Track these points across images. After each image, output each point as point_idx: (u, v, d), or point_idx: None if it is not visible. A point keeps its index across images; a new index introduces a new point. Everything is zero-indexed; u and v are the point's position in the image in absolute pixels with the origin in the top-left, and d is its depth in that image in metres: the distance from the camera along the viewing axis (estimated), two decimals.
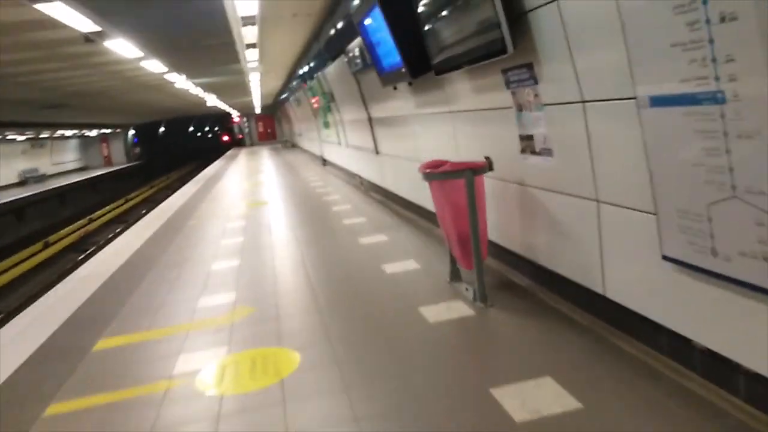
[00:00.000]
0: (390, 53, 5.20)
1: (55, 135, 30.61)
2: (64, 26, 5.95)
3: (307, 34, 10.22)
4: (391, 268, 4.71)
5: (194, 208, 10.17)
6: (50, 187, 25.20)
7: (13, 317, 4.72)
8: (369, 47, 5.89)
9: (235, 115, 41.26)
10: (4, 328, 4.29)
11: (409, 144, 6.57)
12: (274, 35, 9.51)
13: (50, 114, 20.50)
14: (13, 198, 21.27)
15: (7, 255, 14.75)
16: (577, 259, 3.17)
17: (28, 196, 22.69)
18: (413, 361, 2.96)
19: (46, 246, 15.72)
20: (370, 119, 8.37)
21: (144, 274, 5.46)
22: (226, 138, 47.89)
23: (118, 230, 16.22)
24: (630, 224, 2.57)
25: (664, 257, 2.27)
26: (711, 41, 1.76)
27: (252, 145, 40.03)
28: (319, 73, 10.87)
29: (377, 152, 8.52)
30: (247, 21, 6.84)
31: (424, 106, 5.53)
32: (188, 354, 3.36)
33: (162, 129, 48.75)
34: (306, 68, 12.80)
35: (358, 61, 7.14)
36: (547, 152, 3.24)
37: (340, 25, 8.34)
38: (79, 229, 17.97)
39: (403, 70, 4.88)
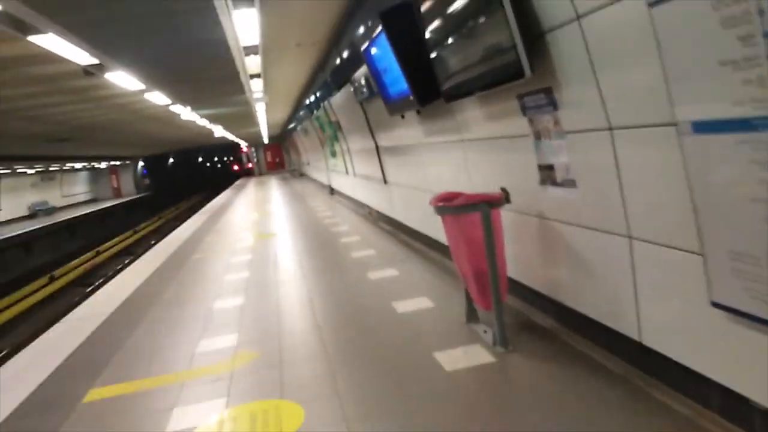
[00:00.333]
0: (397, 81, 5.02)
1: (65, 167, 30.78)
2: (62, 60, 5.84)
3: (312, 64, 10.13)
4: (402, 306, 4.43)
5: (199, 241, 9.97)
6: (59, 220, 25.20)
7: (5, 361, 4.48)
8: (375, 75, 5.72)
9: (244, 145, 41.48)
10: None
11: (418, 173, 6.35)
12: (279, 65, 9.41)
13: (59, 147, 20.56)
14: (21, 231, 21.25)
15: (14, 289, 14.60)
16: (607, 301, 2.89)
17: (37, 229, 22.67)
18: (429, 418, 2.66)
19: (52, 280, 15.57)
20: (377, 148, 8.18)
21: (143, 314, 5.21)
22: (236, 168, 48.11)
23: (126, 261, 16.07)
24: (670, 265, 2.30)
25: (714, 304, 2.00)
26: None
27: (261, 174, 40.11)
28: (326, 103, 10.76)
29: (385, 182, 8.31)
30: (250, 51, 6.72)
31: (434, 135, 5.32)
32: (183, 408, 3.08)
33: (171, 160, 49.12)
34: (312, 98, 12.72)
35: (364, 89, 6.98)
36: (570, 183, 2.99)
37: (345, 53, 8.24)
38: (86, 262, 17.82)
39: (411, 98, 4.68)
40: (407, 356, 3.43)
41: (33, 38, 4.83)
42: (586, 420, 2.45)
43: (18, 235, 20.75)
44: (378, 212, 9.47)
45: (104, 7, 4.83)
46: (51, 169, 29.06)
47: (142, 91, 9.19)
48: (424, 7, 3.73)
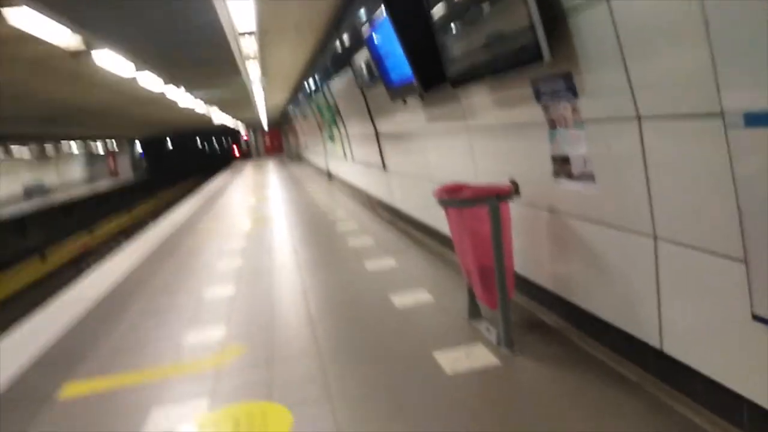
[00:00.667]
0: (399, 65, 4.76)
1: (60, 148, 30.40)
2: (48, 38, 5.53)
3: (311, 47, 9.83)
4: (400, 300, 4.22)
5: (193, 226, 9.74)
6: (54, 201, 24.91)
7: None
8: (376, 60, 5.45)
9: (242, 128, 41.12)
10: None
11: (419, 161, 6.11)
12: (277, 48, 9.11)
13: (55, 128, 20.25)
14: (14, 211, 20.96)
15: (3, 270, 14.38)
16: (625, 304, 2.68)
17: (31, 209, 22.39)
18: (428, 428, 2.46)
19: (43, 261, 15.36)
20: (377, 134, 7.93)
21: (130, 302, 4.99)
22: (236, 152, 47.73)
23: (119, 245, 15.84)
24: (703, 270, 2.08)
25: (756, 317, 1.78)
26: None
27: (259, 157, 39.77)
28: (324, 87, 10.47)
29: (384, 168, 8.07)
30: (246, 31, 6.42)
31: (437, 120, 5.08)
32: (162, 408, 2.87)
33: (169, 142, 48.63)
34: (311, 82, 12.42)
35: (365, 74, 6.71)
36: (587, 177, 2.76)
37: (345, 37, 7.96)
38: (78, 244, 17.58)
39: (414, 83, 4.43)
40: (405, 356, 3.22)
41: (6, 11, 4.53)
42: None
43: (12, 215, 20.47)
44: (377, 199, 9.24)
45: None
46: (47, 149, 28.67)
47: (134, 73, 8.87)
48: None
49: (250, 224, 9.15)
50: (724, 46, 1.65)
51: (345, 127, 10.47)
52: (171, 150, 48.02)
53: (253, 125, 38.95)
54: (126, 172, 39.28)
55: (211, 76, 11.88)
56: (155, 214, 21.69)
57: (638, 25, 2.07)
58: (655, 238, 2.31)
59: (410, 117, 5.80)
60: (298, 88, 16.03)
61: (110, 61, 7.49)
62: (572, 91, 2.67)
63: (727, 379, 2.07)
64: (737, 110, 1.65)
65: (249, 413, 2.72)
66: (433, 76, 4.08)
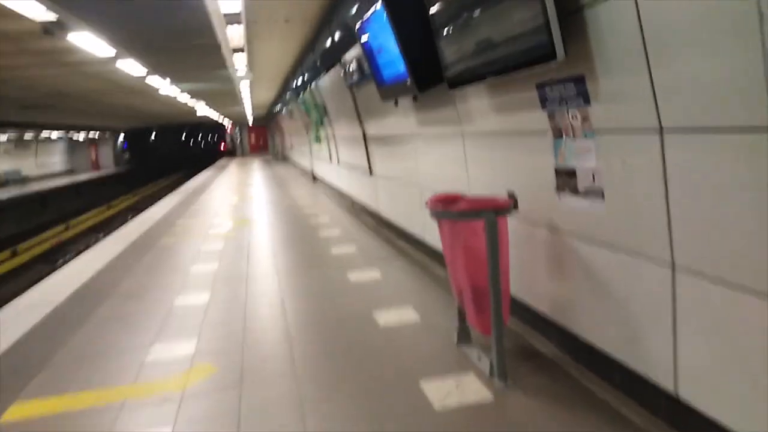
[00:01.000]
0: (393, 62, 4.49)
1: (41, 136, 29.67)
2: (18, 15, 5.15)
3: (301, 42, 9.52)
4: (385, 317, 3.93)
5: (171, 224, 9.36)
6: (31, 190, 24.24)
7: None
8: (368, 55, 5.16)
9: (228, 124, 40.58)
10: None
11: (407, 167, 5.83)
12: (265, 40, 8.80)
13: (34, 114, 19.67)
14: None
15: None
16: (633, 339, 2.42)
17: (5, 199, 21.73)
18: None
19: (14, 255, 14.79)
20: (364, 136, 7.65)
21: (94, 307, 4.64)
22: (222, 147, 47.22)
23: (94, 240, 15.34)
24: (729, 308, 1.82)
25: None
26: None
27: (243, 155, 39.23)
28: (313, 85, 10.16)
29: (371, 173, 7.79)
30: (232, 19, 6.09)
31: (429, 125, 4.81)
32: None
33: (153, 135, 47.88)
34: (300, 80, 12.11)
35: (355, 71, 6.43)
36: (595, 193, 2.50)
37: (336, 33, 7.67)
38: (52, 237, 17.01)
39: (409, 82, 4.16)
40: (390, 384, 2.93)
41: None
42: None
43: None
44: (361, 204, 8.95)
45: None
46: (26, 137, 27.94)
47: (113, 58, 8.48)
48: None
49: (229, 225, 8.80)
50: None
51: (332, 127, 10.17)
52: (155, 144, 47.32)
53: (239, 122, 38.42)
54: (108, 165, 38.53)
55: (198, 68, 11.48)
56: (136, 209, 21.18)
57: (669, 22, 1.81)
58: (674, 267, 2.06)
59: (401, 120, 5.53)
60: (286, 85, 15.69)
61: (89, 43, 7.09)
62: (584, 97, 2.41)
63: None
64: None
65: None
66: (430, 75, 3.82)
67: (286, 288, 4.95)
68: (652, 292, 2.21)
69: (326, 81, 8.74)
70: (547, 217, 2.98)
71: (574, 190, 2.67)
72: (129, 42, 7.68)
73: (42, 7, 4.92)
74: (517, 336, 3.41)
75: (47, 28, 5.60)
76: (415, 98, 4.69)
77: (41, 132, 28.09)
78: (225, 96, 18.26)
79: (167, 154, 47.48)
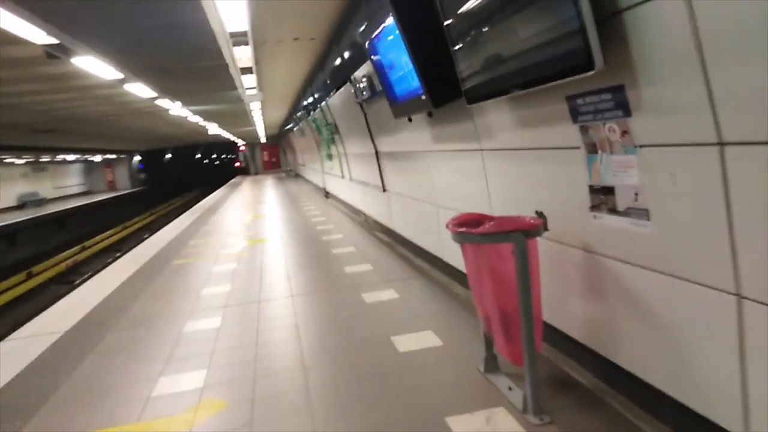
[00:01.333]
0: (405, 78, 4.32)
1: (57, 159, 29.94)
2: (23, 41, 5.07)
3: (311, 61, 9.43)
4: (404, 343, 3.71)
5: (184, 244, 9.24)
6: (48, 212, 24.36)
7: None
8: (380, 72, 5.00)
9: (241, 144, 40.83)
10: None
11: (422, 184, 5.63)
12: (274, 60, 8.70)
13: (50, 138, 19.81)
14: (5, 223, 20.40)
15: None
16: (689, 374, 2.17)
17: (24, 220, 21.83)
18: None
19: (30, 276, 14.76)
20: (377, 153, 7.47)
21: (101, 335, 4.48)
22: (237, 164, 47.59)
23: (109, 260, 15.28)
24: None
25: None
26: None
27: (257, 173, 39.34)
28: (323, 104, 10.05)
29: (384, 189, 7.60)
30: (239, 40, 5.98)
31: (445, 141, 4.61)
32: None
33: (168, 155, 48.33)
34: (310, 98, 12.02)
35: (366, 89, 6.28)
36: (638, 213, 2.28)
37: (346, 50, 7.55)
38: (68, 258, 16.99)
39: (423, 97, 3.98)
40: (413, 420, 2.70)
41: None
42: None
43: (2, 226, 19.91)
44: (374, 221, 8.76)
45: None
46: (42, 160, 28.19)
47: (121, 82, 8.42)
48: None
49: (242, 244, 8.64)
50: None
51: (344, 145, 10.03)
52: (170, 164, 47.73)
53: (252, 141, 38.62)
54: (124, 186, 38.82)
55: (207, 90, 11.42)
56: (151, 228, 21.17)
57: (730, 19, 1.60)
58: (740, 296, 1.82)
59: (414, 136, 5.34)
60: (297, 104, 15.65)
61: (95, 67, 7.02)
62: (623, 108, 2.20)
63: None
64: None
65: None
66: (445, 90, 3.63)
67: (299, 311, 4.75)
68: (711, 322, 1.97)
69: (336, 99, 8.61)
70: (580, 237, 2.76)
71: (613, 209, 2.44)
72: (135, 65, 7.60)
73: (42, 32, 4.82)
74: (549, 363, 3.17)
75: (50, 53, 5.53)
76: (430, 114, 4.51)
77: (57, 155, 28.32)
78: (236, 117, 18.25)
79: (182, 174, 47.93)
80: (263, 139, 34.94)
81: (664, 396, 2.31)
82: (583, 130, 2.51)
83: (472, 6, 2.83)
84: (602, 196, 2.50)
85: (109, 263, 10.78)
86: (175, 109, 13.45)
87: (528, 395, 2.60)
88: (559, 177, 2.85)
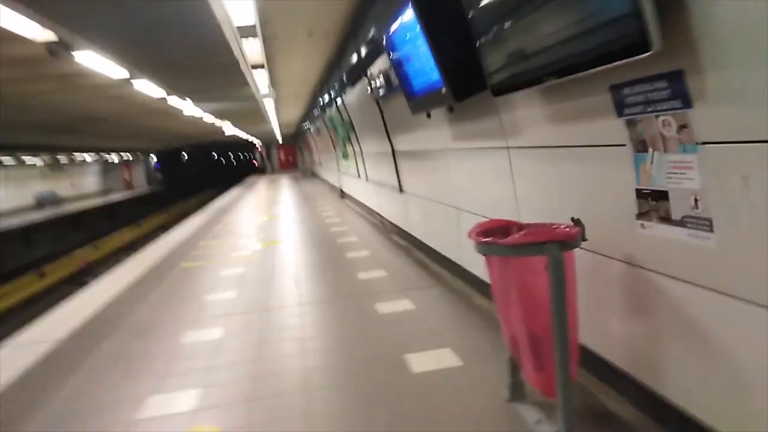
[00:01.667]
0: (424, 71, 3.97)
1: (74, 158, 30.08)
2: (17, 37, 4.82)
3: (326, 57, 9.11)
4: (419, 362, 3.36)
5: (193, 246, 8.99)
6: (64, 211, 24.43)
7: None
8: (397, 65, 4.66)
9: (258, 143, 40.83)
10: None
11: (442, 184, 5.28)
12: (287, 56, 8.39)
13: (67, 138, 19.82)
14: (21, 222, 20.45)
15: (1, 284, 13.72)
16: (751, 413, 1.81)
17: (39, 219, 21.88)
18: None
19: (42, 276, 14.68)
20: (393, 152, 7.13)
21: (94, 346, 4.20)
22: (256, 164, 47.72)
23: (121, 261, 15.15)
24: None
25: None
26: None
27: (273, 172, 39.23)
28: (339, 101, 9.74)
29: (401, 190, 7.26)
30: (247, 33, 5.67)
31: (466, 138, 4.26)
32: None
33: (185, 154, 48.50)
34: (326, 96, 11.72)
35: (382, 84, 5.95)
36: (699, 223, 1.91)
37: (361, 45, 7.22)
38: (80, 258, 16.90)
39: (443, 90, 3.62)
40: None
41: None
42: None
43: (17, 225, 19.94)
44: (390, 222, 8.42)
45: None
46: (59, 159, 28.32)
47: (128, 79, 8.18)
48: None
49: (253, 247, 8.35)
50: None
51: (359, 144, 9.71)
52: (187, 163, 47.91)
53: (267, 140, 38.52)
54: (141, 185, 39.00)
55: (217, 87, 11.16)
56: (166, 227, 21.10)
57: None
58: None
59: (433, 134, 4.99)
60: (313, 102, 15.37)
61: (98, 63, 6.78)
62: (682, 98, 1.83)
63: None
64: None
65: None
66: (468, 83, 3.29)
67: (307, 322, 4.43)
68: None
69: (352, 96, 8.30)
70: (623, 248, 2.39)
71: (665, 218, 2.07)
72: (140, 61, 7.35)
73: (41, 28, 4.57)
74: (582, 391, 2.79)
75: (52, 50, 5.29)
76: (450, 109, 4.16)
77: (74, 154, 28.45)
78: (250, 115, 18.03)
79: (199, 173, 48.04)
80: (279, 139, 34.84)
81: None
82: (631, 124, 2.15)
83: None
84: (652, 202, 2.14)
85: (118, 265, 10.60)
86: (188, 107, 13.23)
87: (562, 430, 2.24)
88: (599, 179, 2.48)
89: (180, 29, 5.85)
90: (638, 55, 1.73)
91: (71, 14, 4.59)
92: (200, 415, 2.95)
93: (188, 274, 6.72)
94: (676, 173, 1.98)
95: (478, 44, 2.90)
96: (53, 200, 28.26)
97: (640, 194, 2.19)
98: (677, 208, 2.01)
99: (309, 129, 20.09)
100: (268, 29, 6.26)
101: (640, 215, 2.22)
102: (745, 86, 1.59)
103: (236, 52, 6.75)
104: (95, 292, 6.17)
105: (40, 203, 27.24)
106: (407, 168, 6.78)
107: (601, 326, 2.68)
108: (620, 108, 2.17)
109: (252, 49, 6.69)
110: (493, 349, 3.33)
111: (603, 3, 1.83)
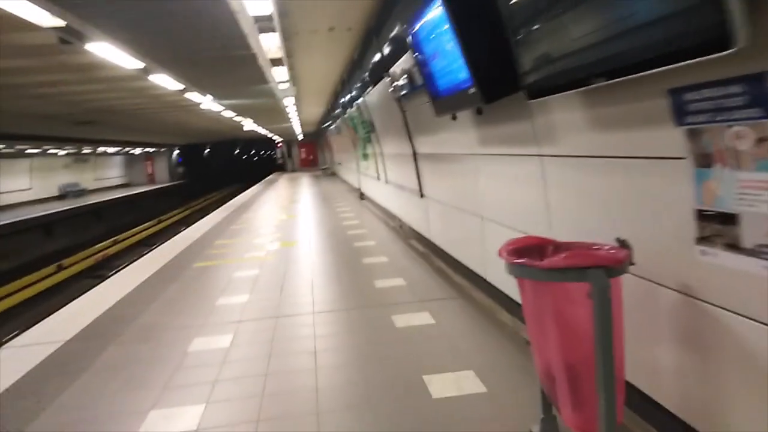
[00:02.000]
0: (450, 69, 3.71)
1: (99, 151, 30.37)
2: (26, 24, 4.67)
3: (347, 53, 8.89)
4: (439, 386, 3.09)
5: (209, 244, 8.83)
6: (87, 203, 24.59)
7: None
8: (421, 62, 4.40)
9: (278, 140, 40.85)
10: None
11: (466, 192, 4.99)
12: (308, 53, 8.18)
13: (90, 130, 19.90)
14: (43, 213, 20.58)
15: (20, 276, 13.75)
16: None
17: (61, 210, 22.02)
18: None
19: (60, 269, 14.70)
20: (414, 155, 6.87)
21: (99, 351, 4.02)
22: (276, 161, 47.84)
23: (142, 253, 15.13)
24: None
25: None
26: None
27: (293, 171, 39.20)
28: (360, 101, 9.51)
29: (422, 195, 6.99)
30: (264, 26, 5.45)
31: (494, 144, 3.99)
32: None
33: (207, 150, 48.80)
34: (347, 95, 11.51)
35: (405, 84, 5.69)
36: None
37: (385, 43, 6.98)
38: (98, 252, 16.91)
39: (472, 91, 3.35)
40: None
41: None
42: None
43: (39, 216, 20.07)
44: (409, 227, 8.15)
45: None
46: (84, 152, 28.57)
47: (144, 72, 8.03)
48: None
49: (268, 248, 8.16)
50: None
51: (380, 145, 9.46)
52: (209, 158, 48.22)
53: (289, 138, 38.50)
54: (163, 179, 39.28)
55: (236, 83, 11.01)
56: (187, 222, 21.08)
57: None
58: None
59: (458, 137, 4.72)
60: (335, 101, 15.19)
61: (111, 53, 6.62)
62: (763, 106, 1.54)
63: None
64: None
65: None
66: (500, 83, 3.02)
67: (319, 333, 4.19)
68: None
69: (374, 95, 8.05)
70: (678, 276, 2.10)
71: (733, 245, 1.79)
72: (156, 54, 7.19)
73: (46, 13, 4.41)
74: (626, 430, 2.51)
75: (63, 38, 5.14)
76: (479, 111, 3.89)
77: (98, 147, 28.68)
78: (271, 112, 17.91)
79: (220, 169, 48.31)
80: (300, 137, 34.78)
81: None
82: (693, 134, 1.86)
83: None
84: (717, 226, 1.85)
85: (132, 262, 10.50)
86: (207, 102, 13.12)
87: None
88: (650, 195, 2.20)
89: (196, 21, 5.66)
90: (715, 53, 1.45)
91: (83, 3, 4.43)
92: None
93: (201, 275, 6.54)
94: (749, 194, 1.69)
95: (512, 41, 2.63)
96: (77, 191, 28.54)
97: (702, 216, 1.90)
98: (749, 235, 1.72)
99: (330, 128, 19.92)
100: (287, 22, 6.04)
101: (701, 240, 1.93)
102: None
103: (253, 45, 6.55)
104: (105, 291, 6.02)
105: (64, 194, 27.52)
106: (429, 172, 6.51)
107: (649, 362, 2.38)
108: (680, 115, 1.88)
109: (271, 44, 6.48)
110: (522, 376, 3.07)
111: (673, 12, 1.55)
